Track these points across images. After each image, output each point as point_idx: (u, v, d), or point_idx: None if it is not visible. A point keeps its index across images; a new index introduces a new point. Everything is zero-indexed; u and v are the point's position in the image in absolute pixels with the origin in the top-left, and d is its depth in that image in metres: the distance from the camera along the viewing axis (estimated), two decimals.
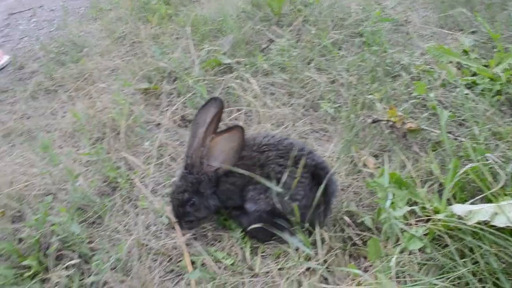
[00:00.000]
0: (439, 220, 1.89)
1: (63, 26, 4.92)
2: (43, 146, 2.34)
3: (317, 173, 2.13)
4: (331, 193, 2.18)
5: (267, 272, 2.17)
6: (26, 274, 2.19)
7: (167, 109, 3.27)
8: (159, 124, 3.19)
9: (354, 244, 2.22)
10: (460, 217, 1.85)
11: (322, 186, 2.06)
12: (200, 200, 2.26)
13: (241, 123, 3.05)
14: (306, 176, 2.10)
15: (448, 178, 2.04)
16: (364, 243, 2.21)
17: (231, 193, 2.26)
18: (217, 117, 2.17)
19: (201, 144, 2.14)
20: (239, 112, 3.18)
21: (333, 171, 2.24)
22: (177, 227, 2.41)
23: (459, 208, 1.85)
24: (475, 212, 1.79)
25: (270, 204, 2.15)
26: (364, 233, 2.24)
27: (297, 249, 2.19)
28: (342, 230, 2.27)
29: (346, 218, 2.31)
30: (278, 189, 2.04)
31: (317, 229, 2.16)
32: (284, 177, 2.08)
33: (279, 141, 2.20)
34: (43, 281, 2.22)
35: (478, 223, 1.78)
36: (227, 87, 3.33)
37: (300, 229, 2.14)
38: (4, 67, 4.28)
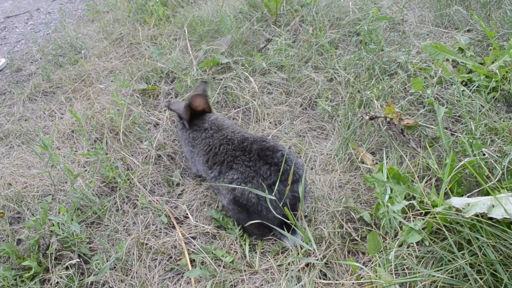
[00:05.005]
0: (438, 213, 1.90)
1: (60, 28, 4.92)
2: (44, 145, 2.33)
3: (264, 154, 2.28)
4: (288, 170, 2.22)
5: (267, 269, 2.19)
6: (26, 275, 2.19)
7: (165, 109, 3.28)
8: (157, 124, 3.20)
9: (353, 240, 2.24)
10: (458, 210, 1.86)
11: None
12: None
13: (239, 121, 3.08)
14: (253, 159, 2.28)
15: (445, 172, 2.06)
16: (363, 238, 2.23)
17: (189, 139, 2.65)
18: (200, 96, 2.61)
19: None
20: (237, 110, 3.20)
21: (281, 149, 2.33)
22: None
23: (457, 201, 1.87)
24: (473, 205, 1.80)
25: (230, 191, 2.27)
26: (363, 229, 2.25)
27: (296, 245, 2.21)
28: (341, 226, 2.29)
29: (345, 214, 2.33)
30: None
31: (301, 216, 2.28)
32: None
33: (238, 137, 2.47)
34: (43, 281, 2.23)
35: (476, 215, 1.79)
36: (225, 86, 3.35)
37: (297, 226, 2.15)
38: (1, 70, 4.28)
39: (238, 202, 2.25)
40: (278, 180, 2.19)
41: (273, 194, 2.17)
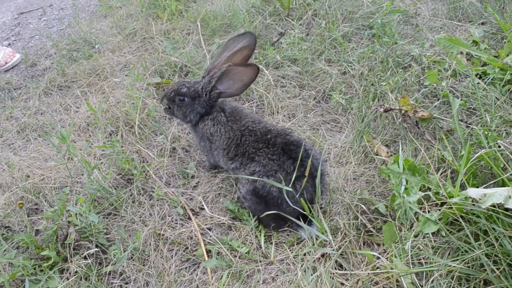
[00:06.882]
0: (454, 204, 1.91)
1: (74, 24, 4.96)
2: (61, 136, 2.37)
3: (288, 149, 2.24)
4: (311, 165, 2.21)
5: (282, 260, 2.21)
6: (45, 265, 2.23)
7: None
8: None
9: (368, 231, 2.25)
10: (474, 201, 1.86)
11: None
12: (189, 105, 2.52)
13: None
14: (276, 153, 2.23)
15: (462, 164, 2.06)
16: (378, 230, 2.24)
17: (206, 135, 2.53)
18: (246, 50, 2.46)
19: (219, 65, 2.45)
20: (251, 103, 3.22)
21: (306, 145, 2.30)
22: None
23: (473, 192, 1.87)
24: (489, 196, 1.80)
25: (250, 182, 2.27)
26: (378, 220, 2.26)
27: (311, 236, 2.22)
28: (356, 218, 2.30)
29: (360, 205, 2.34)
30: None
31: (317, 208, 2.27)
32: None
33: (260, 128, 2.39)
34: (62, 271, 2.27)
35: (492, 206, 1.79)
36: None
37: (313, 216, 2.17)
38: (16, 65, 4.33)
39: (258, 193, 2.25)
40: (306, 176, 2.17)
41: (293, 186, 2.17)
